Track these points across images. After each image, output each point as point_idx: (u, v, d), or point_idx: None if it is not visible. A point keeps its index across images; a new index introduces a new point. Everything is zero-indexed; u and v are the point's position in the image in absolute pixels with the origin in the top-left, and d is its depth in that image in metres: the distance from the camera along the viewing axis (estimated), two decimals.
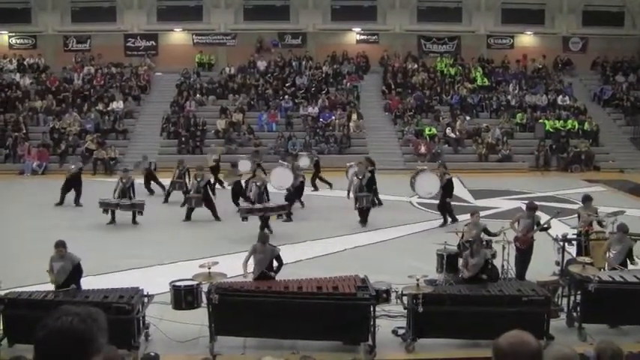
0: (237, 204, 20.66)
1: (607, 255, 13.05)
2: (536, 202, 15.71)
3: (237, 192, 21.43)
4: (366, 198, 20.02)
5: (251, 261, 12.50)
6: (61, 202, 22.93)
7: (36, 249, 16.28)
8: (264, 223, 18.31)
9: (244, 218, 18.61)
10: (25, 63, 38.46)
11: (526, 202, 16.10)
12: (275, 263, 12.51)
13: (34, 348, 2.73)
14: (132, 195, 20.29)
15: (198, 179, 20.71)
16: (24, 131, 33.14)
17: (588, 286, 11.19)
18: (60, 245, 11.65)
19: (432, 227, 19.44)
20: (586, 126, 34.53)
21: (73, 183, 23.10)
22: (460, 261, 13.94)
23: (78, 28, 38.88)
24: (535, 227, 14.19)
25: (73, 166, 23.93)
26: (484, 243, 13.28)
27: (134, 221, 20.17)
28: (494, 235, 14.17)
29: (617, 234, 13.30)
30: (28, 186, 27.93)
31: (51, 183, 28.06)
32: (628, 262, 12.92)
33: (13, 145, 31.98)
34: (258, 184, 19.22)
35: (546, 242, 14.80)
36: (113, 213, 20.10)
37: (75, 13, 38.81)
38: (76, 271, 11.68)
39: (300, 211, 21.92)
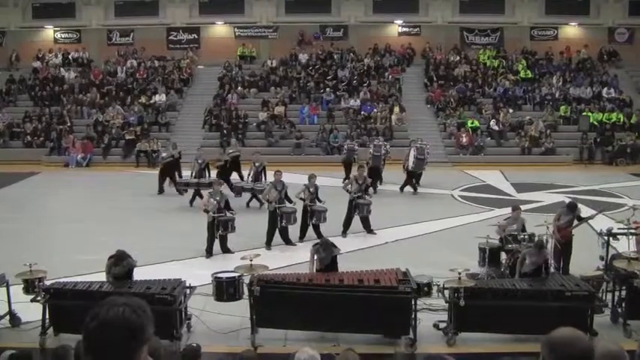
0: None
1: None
2: (581, 196, 15.53)
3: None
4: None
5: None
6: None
7: (80, 240, 16.59)
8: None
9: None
10: (69, 57, 39.04)
11: (569, 196, 15.87)
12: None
13: (84, 338, 2.74)
14: (208, 174, 22.04)
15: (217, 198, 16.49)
16: (69, 124, 33.64)
17: (634, 282, 11.03)
18: (122, 258, 11.43)
19: (475, 221, 19.23)
20: (632, 119, 33.92)
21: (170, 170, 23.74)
22: (502, 254, 13.89)
23: (121, 22, 39.30)
24: (576, 222, 14.03)
25: (164, 154, 24.53)
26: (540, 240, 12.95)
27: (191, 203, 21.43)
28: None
29: None
30: (73, 178, 28.31)
31: (95, 175, 28.60)
32: None
33: (58, 138, 32.44)
34: None
35: (591, 237, 14.60)
36: (196, 192, 21.54)
37: (118, 7, 39.21)
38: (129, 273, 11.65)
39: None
